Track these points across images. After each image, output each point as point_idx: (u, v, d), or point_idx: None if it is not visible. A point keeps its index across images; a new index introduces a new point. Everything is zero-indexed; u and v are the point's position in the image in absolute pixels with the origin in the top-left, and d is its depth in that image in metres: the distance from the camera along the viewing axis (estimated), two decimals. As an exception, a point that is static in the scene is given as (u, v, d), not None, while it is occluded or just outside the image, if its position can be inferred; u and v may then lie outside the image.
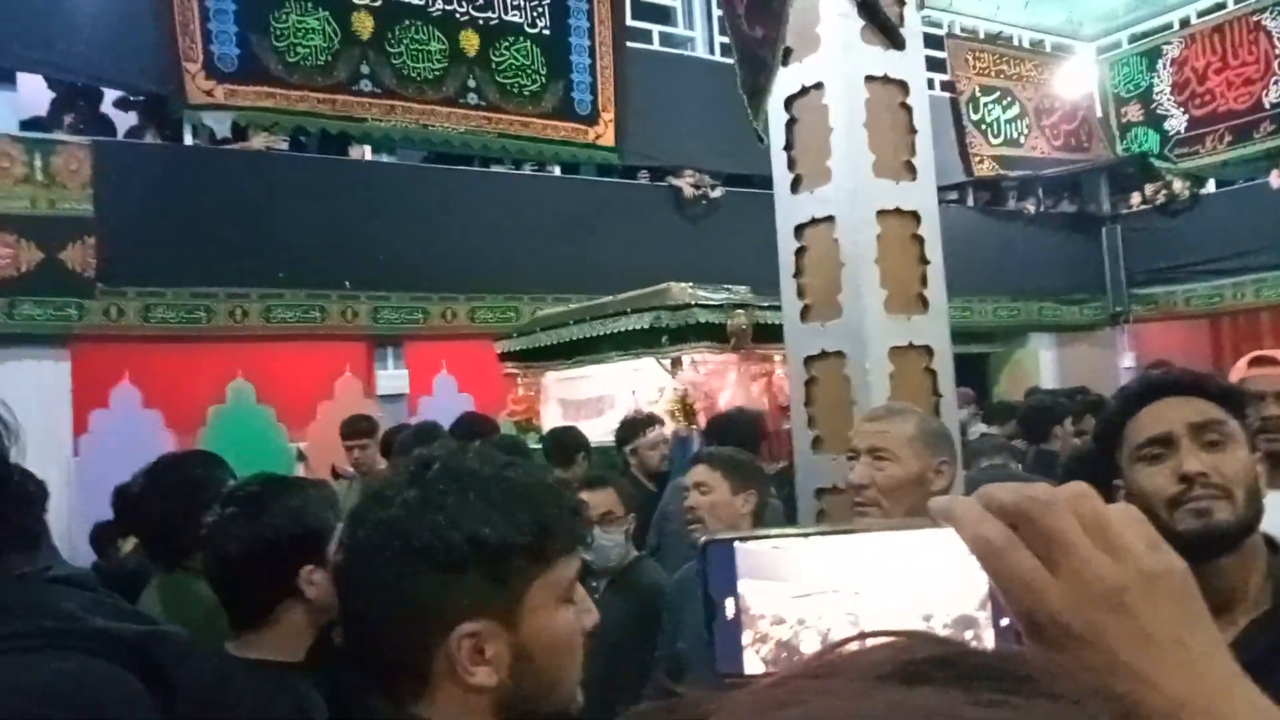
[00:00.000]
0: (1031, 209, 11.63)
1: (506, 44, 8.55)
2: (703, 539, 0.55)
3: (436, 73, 8.23)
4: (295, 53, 7.65)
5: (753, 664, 0.52)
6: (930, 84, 11.26)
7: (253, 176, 7.57)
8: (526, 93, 8.64)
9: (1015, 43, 12.10)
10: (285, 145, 7.93)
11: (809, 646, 0.52)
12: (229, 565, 1.65)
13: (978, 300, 10.60)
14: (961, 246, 9.47)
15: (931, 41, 11.48)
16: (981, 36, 11.79)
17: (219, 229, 7.17)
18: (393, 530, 0.97)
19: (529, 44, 8.67)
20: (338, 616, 1.10)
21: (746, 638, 0.52)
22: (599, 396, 6.47)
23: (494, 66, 8.48)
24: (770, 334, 6.09)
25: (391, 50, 8.04)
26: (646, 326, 5.78)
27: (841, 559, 0.53)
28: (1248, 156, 11.16)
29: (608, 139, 9.01)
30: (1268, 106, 10.95)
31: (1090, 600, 0.48)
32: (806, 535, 0.55)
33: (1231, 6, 11.36)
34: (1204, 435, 1.36)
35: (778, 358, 6.33)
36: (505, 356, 6.94)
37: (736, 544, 0.53)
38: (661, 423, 5.36)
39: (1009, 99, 11.82)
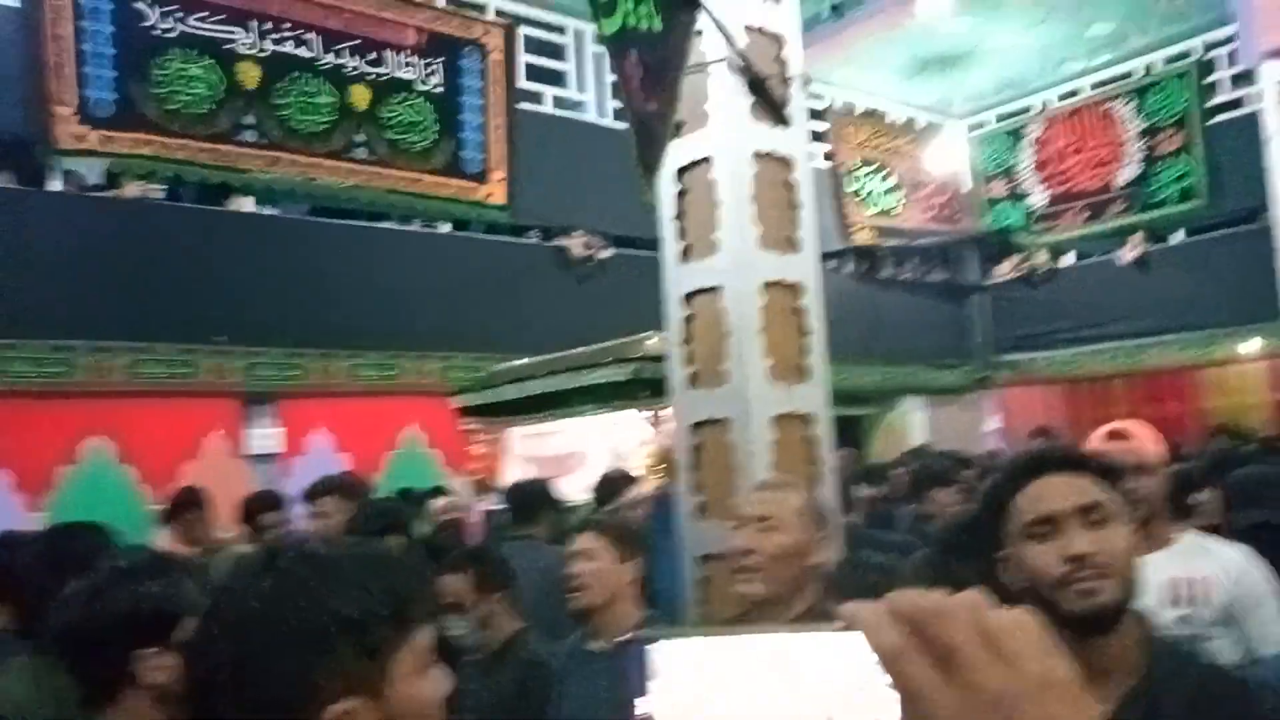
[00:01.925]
0: (906, 277, 12.15)
1: (397, 100, 8.51)
2: (619, 639, 0.57)
3: (324, 126, 8.12)
4: (176, 100, 7.43)
5: None
6: (811, 154, 11.71)
7: (124, 225, 7.27)
8: (416, 149, 8.60)
9: (891, 118, 12.70)
10: (162, 194, 7.66)
11: None
12: (63, 644, 1.57)
13: (854, 364, 10.96)
14: (839, 311, 9.79)
15: (813, 114, 11.99)
16: (860, 111, 12.35)
17: (83, 279, 6.85)
18: (254, 621, 0.96)
19: (420, 100, 8.65)
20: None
21: None
22: (569, 453, 6.23)
23: (384, 122, 8.42)
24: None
25: (278, 102, 7.90)
26: (626, 379, 5.43)
27: (751, 659, 0.54)
28: (1101, 233, 11.95)
29: (498, 198, 9.02)
30: (1118, 187, 11.79)
31: (980, 709, 0.48)
32: (718, 635, 0.56)
33: (1086, 93, 12.23)
34: (1089, 516, 1.41)
35: None
36: (465, 411, 6.67)
37: (649, 645, 0.54)
38: (640, 480, 5.14)
39: (885, 171, 12.38)
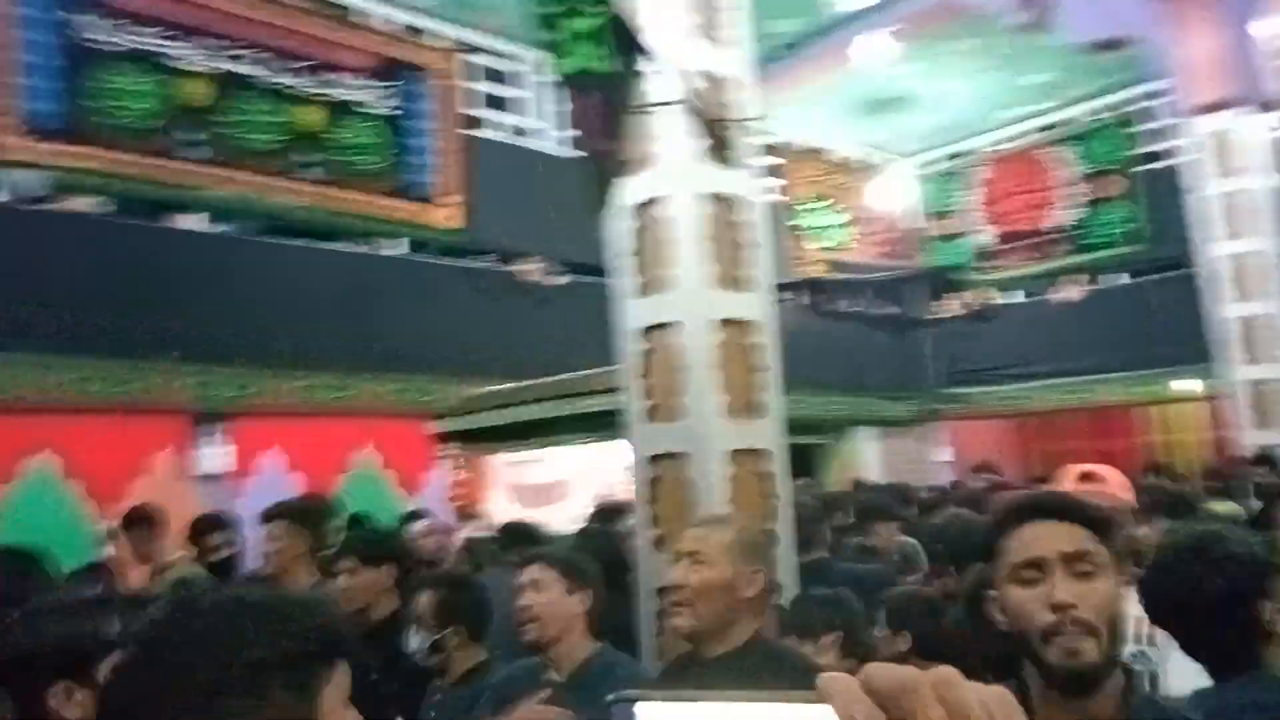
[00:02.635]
0: (857, 310, 12.34)
1: (350, 122, 8.51)
2: (609, 698, 0.55)
3: (276, 145, 8.09)
4: (123, 115, 7.36)
5: None
6: (763, 188, 11.89)
7: (71, 239, 7.15)
8: (370, 171, 8.59)
9: (842, 155, 12.97)
10: (112, 208, 7.57)
11: None
12: None
13: (807, 393, 11.09)
14: (795, 342, 9.93)
15: (767, 148, 12.18)
16: (811, 148, 12.59)
17: (28, 293, 6.72)
18: (184, 665, 0.96)
19: (373, 123, 8.66)
20: None
21: None
22: (554, 482, 6.09)
23: (336, 143, 8.41)
24: None
25: (229, 120, 7.86)
26: (613, 408, 5.40)
27: None
28: (1046, 272, 12.29)
29: (452, 221, 9.04)
30: (1061, 228, 12.14)
31: None
32: (695, 699, 0.54)
33: (1031, 137, 12.61)
34: (1076, 565, 1.40)
35: None
36: (444, 437, 6.54)
37: (638, 706, 0.53)
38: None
39: (837, 207, 12.62)
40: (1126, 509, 2.52)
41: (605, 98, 3.45)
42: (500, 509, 6.21)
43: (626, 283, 3.71)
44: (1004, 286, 12.77)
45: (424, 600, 3.00)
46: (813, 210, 12.42)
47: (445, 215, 9.02)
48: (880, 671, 0.50)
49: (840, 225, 12.71)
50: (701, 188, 3.62)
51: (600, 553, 3.18)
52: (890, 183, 13.32)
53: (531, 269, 9.28)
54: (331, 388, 8.05)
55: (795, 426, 4.09)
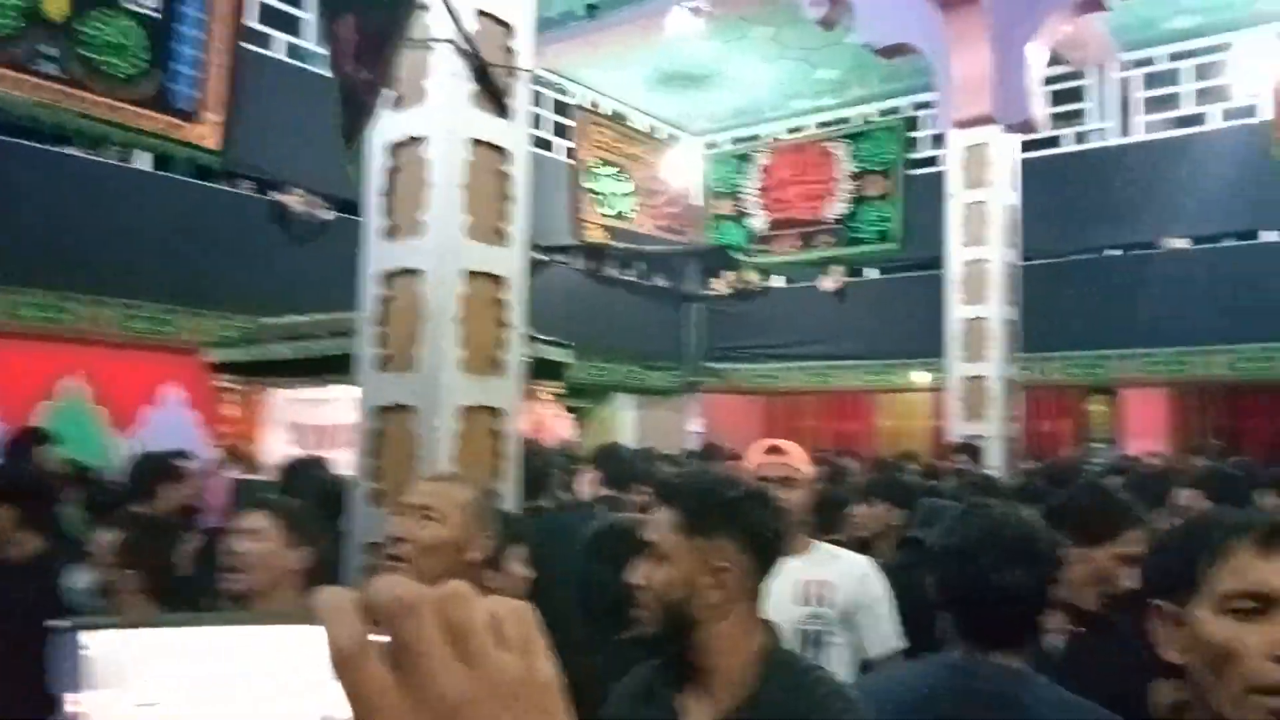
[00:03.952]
0: (630, 279, 12.51)
1: (101, 17, 7.65)
2: (49, 624, 0.47)
3: (9, 30, 7.15)
4: None
5: None
6: (550, 146, 11.81)
7: None
8: (120, 74, 7.77)
9: (634, 124, 13.05)
10: None
11: None
12: None
13: (575, 357, 11.15)
14: (564, 305, 9.96)
15: (559, 108, 12.08)
16: (604, 113, 12.59)
17: None
18: None
19: (130, 22, 7.83)
20: None
21: None
22: (341, 424, 5.55)
23: (82, 38, 7.54)
24: (543, 370, 5.71)
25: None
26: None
27: (214, 657, 0.47)
28: (809, 260, 12.92)
29: (211, 141, 8.35)
30: (828, 220, 12.79)
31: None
32: (171, 626, 0.49)
33: (810, 130, 13.17)
34: None
35: (543, 395, 5.98)
36: (221, 368, 5.85)
37: (84, 634, 0.46)
38: None
39: (622, 175, 12.70)
40: (805, 479, 2.66)
41: (368, 24, 3.24)
42: (277, 450, 5.74)
43: (375, 223, 3.53)
44: (770, 270, 13.33)
45: (105, 539, 2.76)
46: (600, 176, 12.43)
47: (203, 133, 8.31)
48: (379, 587, 0.44)
49: (626, 194, 12.81)
50: (467, 133, 3.48)
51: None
52: (679, 158, 13.55)
53: (295, 200, 8.74)
54: (39, 305, 7.22)
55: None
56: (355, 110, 3.12)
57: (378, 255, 3.50)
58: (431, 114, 3.45)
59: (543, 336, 5.77)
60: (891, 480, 4.77)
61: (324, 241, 8.69)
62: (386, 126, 3.49)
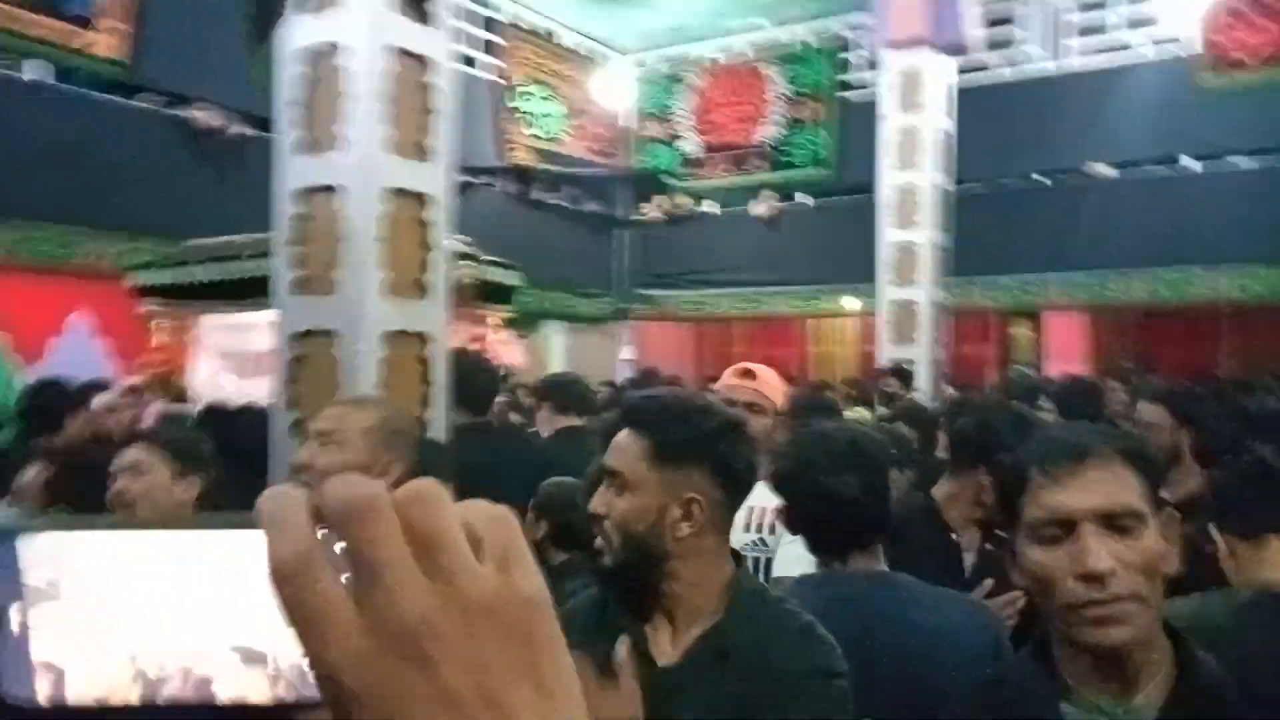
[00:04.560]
0: (558, 203, 12.24)
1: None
2: None
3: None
4: None
5: (47, 691, 0.41)
6: (475, 64, 11.40)
7: None
8: (8, -25, 7.19)
9: (562, 42, 12.63)
10: None
11: (117, 678, 0.40)
12: None
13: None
14: (492, 230, 9.71)
15: (485, 23, 11.63)
16: (532, 30, 12.15)
17: None
18: None
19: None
20: None
21: (38, 655, 0.41)
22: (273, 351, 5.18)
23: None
24: (490, 294, 5.51)
25: None
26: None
27: (162, 563, 0.41)
28: (741, 185, 12.78)
29: (114, 51, 7.82)
30: (760, 144, 12.64)
31: (383, 646, 0.35)
32: (115, 528, 0.43)
33: (742, 51, 12.92)
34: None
35: (490, 320, 5.80)
36: (145, 292, 5.48)
37: (20, 542, 0.41)
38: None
39: (550, 95, 12.33)
40: (775, 407, 2.63)
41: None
42: (208, 380, 5.49)
43: (287, 136, 3.31)
44: (702, 195, 13.17)
45: (29, 473, 2.62)
46: (528, 95, 12.05)
47: (102, 42, 7.78)
48: (334, 485, 0.38)
49: (555, 115, 12.44)
50: (387, 40, 3.26)
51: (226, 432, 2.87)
52: (609, 78, 13.19)
53: (205, 115, 8.27)
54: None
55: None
56: (265, 13, 2.89)
57: (292, 171, 3.29)
58: (348, 18, 3.22)
59: (488, 258, 5.58)
60: (818, 403, 4.77)
61: (240, 160, 8.28)
62: (298, 32, 3.26)
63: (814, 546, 1.98)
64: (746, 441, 1.57)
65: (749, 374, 2.70)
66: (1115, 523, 1.18)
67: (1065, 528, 1.19)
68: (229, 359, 5.62)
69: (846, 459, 1.90)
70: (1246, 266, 9.58)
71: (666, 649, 1.48)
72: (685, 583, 1.48)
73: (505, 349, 6.88)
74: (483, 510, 0.39)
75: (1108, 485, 1.19)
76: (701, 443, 1.49)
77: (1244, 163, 10.05)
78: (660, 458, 1.47)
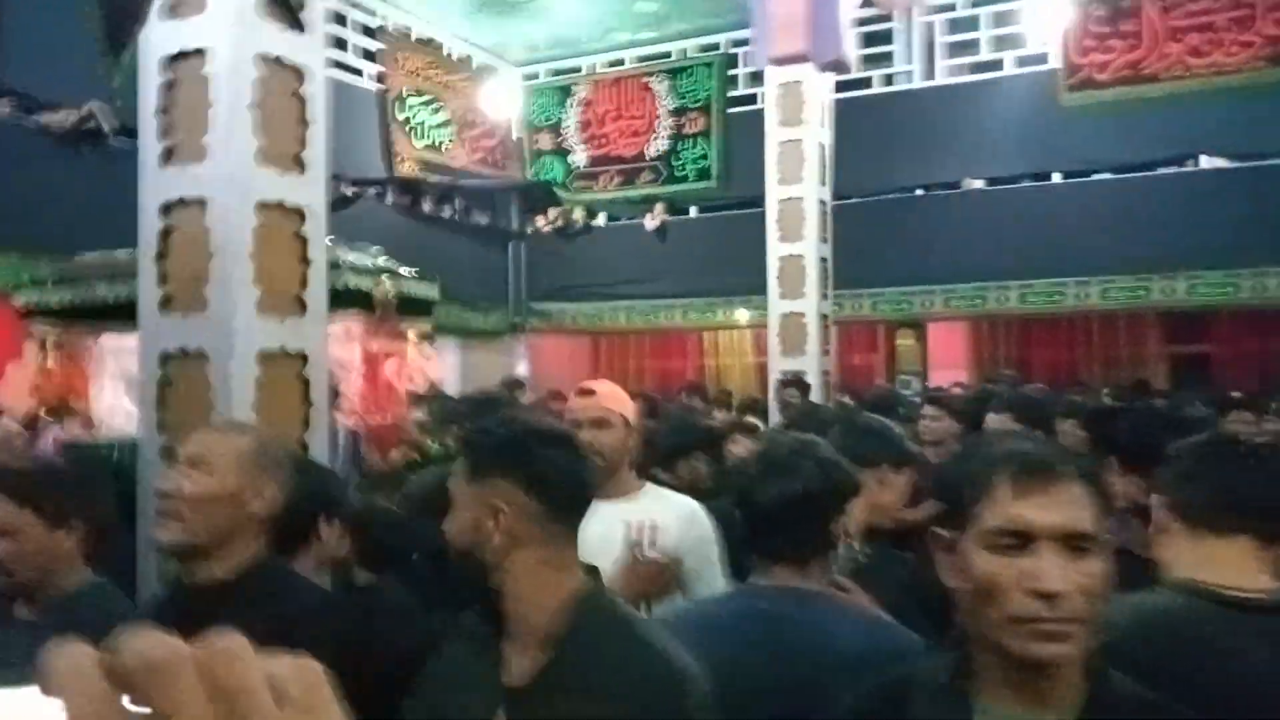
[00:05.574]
0: (448, 216, 12.04)
1: None
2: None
3: None
4: None
5: None
6: (360, 73, 11.15)
7: None
8: None
9: (448, 52, 12.46)
10: None
11: None
12: None
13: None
14: (380, 243, 9.45)
15: (367, 31, 11.38)
16: (416, 38, 11.95)
17: None
18: None
19: None
20: None
21: None
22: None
23: None
24: (408, 307, 5.33)
25: None
26: None
27: None
28: (631, 198, 12.83)
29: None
30: (649, 157, 12.70)
31: None
32: None
33: (628, 65, 12.98)
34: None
35: (411, 335, 5.59)
36: (33, 313, 5.03)
37: None
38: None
39: (437, 105, 12.14)
40: (620, 421, 2.62)
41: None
42: (108, 405, 5.16)
43: (150, 147, 3.14)
44: (592, 208, 13.16)
45: None
46: (413, 106, 11.83)
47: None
48: (133, 645, 0.36)
49: (441, 125, 12.25)
50: (256, 47, 3.13)
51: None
52: (497, 89, 13.07)
53: (68, 123, 7.85)
54: None
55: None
56: (120, 15, 2.73)
57: (155, 183, 3.12)
58: (213, 24, 3.08)
59: (405, 271, 5.44)
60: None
61: (108, 169, 7.87)
62: (161, 37, 3.09)
63: (755, 552, 1.95)
64: (564, 450, 1.59)
65: (588, 392, 2.70)
66: (1072, 543, 1.18)
67: (1022, 540, 1.19)
68: (130, 384, 5.30)
69: (776, 466, 1.86)
70: (1113, 277, 10.10)
71: (521, 669, 1.48)
72: (517, 599, 1.51)
73: (428, 366, 6.71)
74: (287, 663, 0.39)
75: (1072, 506, 1.20)
76: (502, 454, 1.53)
77: (1107, 178, 10.58)
78: (470, 472, 1.55)
